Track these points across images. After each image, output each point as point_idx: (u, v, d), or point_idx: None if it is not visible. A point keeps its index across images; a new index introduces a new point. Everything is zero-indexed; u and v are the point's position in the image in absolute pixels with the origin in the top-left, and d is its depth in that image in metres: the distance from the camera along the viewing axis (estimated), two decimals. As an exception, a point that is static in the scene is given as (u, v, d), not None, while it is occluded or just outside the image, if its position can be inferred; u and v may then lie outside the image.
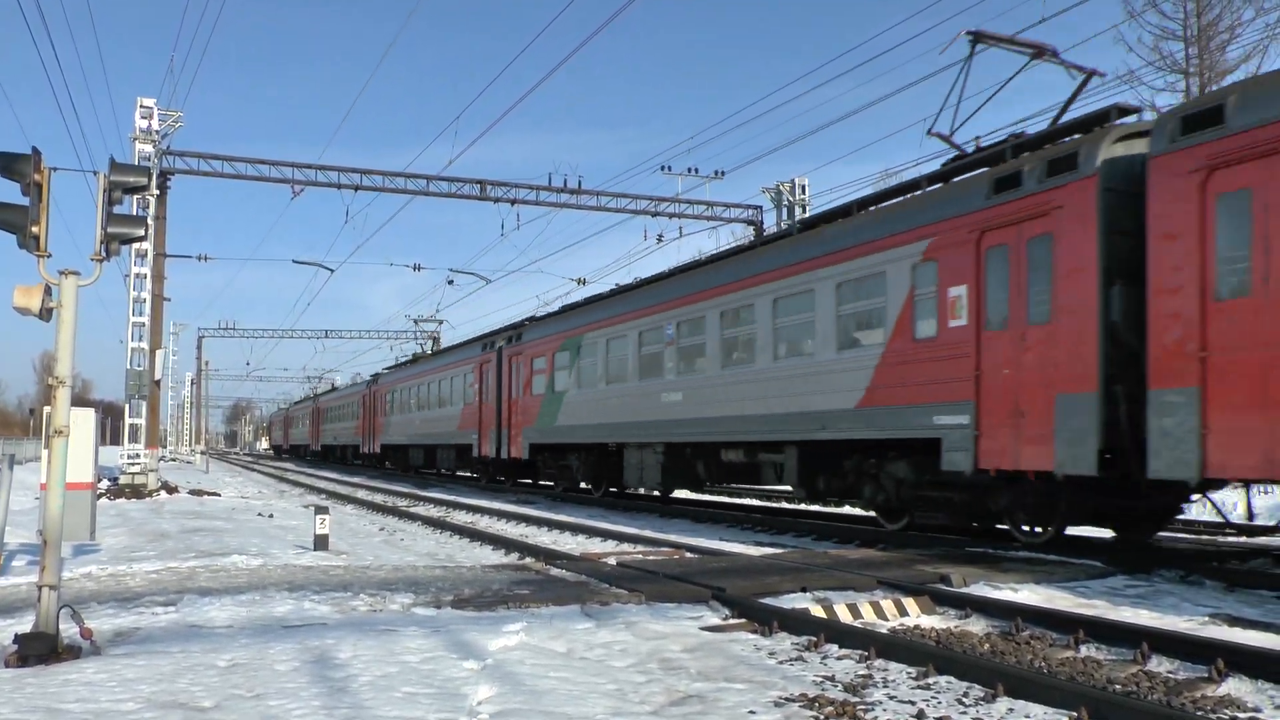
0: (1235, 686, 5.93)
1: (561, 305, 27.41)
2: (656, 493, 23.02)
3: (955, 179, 13.35)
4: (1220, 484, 10.73)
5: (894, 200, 14.48)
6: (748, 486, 24.87)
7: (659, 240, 32.38)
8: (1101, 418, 10.38)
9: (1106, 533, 13.49)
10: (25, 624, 6.91)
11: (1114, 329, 10.44)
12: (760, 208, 32.90)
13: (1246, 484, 11.83)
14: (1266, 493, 21.42)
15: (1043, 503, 11.92)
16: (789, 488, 17.25)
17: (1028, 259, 11.35)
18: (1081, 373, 10.59)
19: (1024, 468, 11.24)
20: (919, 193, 13.81)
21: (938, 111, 13.84)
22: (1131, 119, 11.43)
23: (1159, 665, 6.49)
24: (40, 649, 6.41)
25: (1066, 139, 11.82)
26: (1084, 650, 6.97)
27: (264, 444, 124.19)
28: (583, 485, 24.90)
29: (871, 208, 14.98)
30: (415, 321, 57.16)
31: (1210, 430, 9.21)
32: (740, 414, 16.74)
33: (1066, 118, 12.59)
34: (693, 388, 18.28)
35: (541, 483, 29.56)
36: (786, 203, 31.56)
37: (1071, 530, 11.39)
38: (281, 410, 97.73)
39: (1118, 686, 5.97)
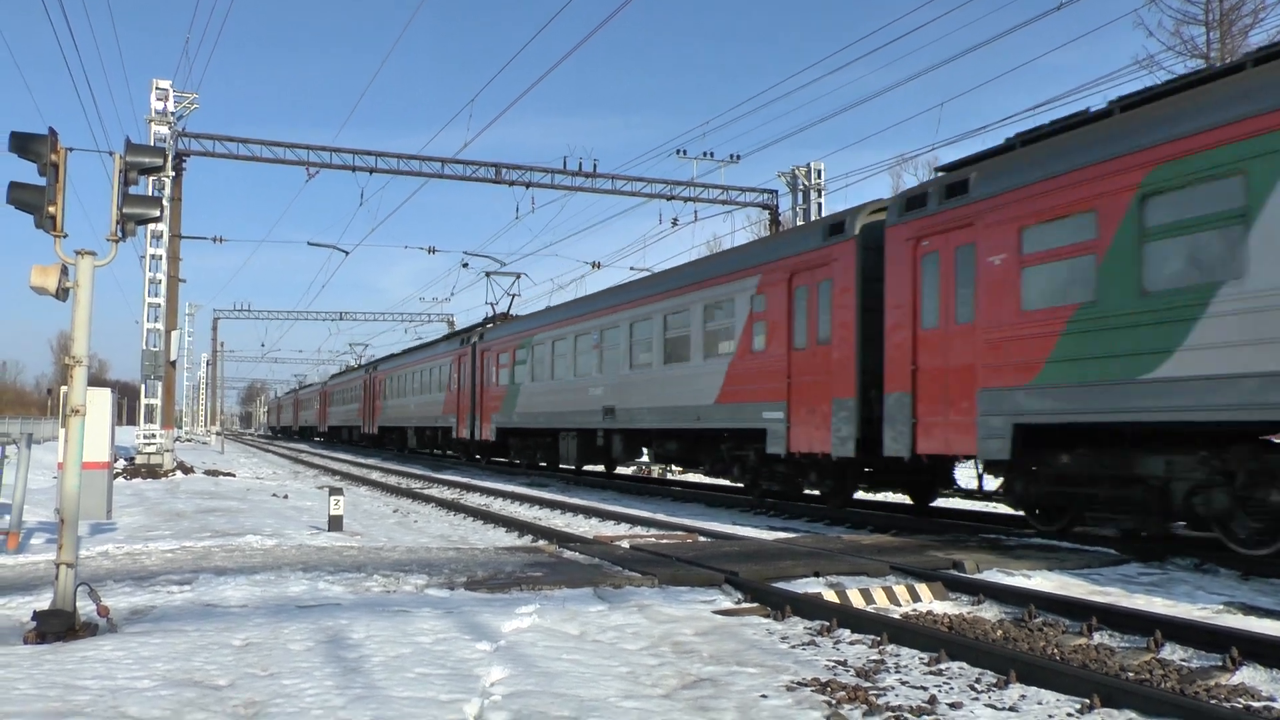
0: (1249, 675, 5.89)
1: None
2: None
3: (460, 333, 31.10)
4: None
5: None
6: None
7: (674, 224, 32.34)
8: None
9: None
10: (43, 601, 6.98)
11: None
12: (775, 192, 32.77)
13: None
14: None
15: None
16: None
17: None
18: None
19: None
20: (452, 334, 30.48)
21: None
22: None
23: (1172, 653, 6.46)
24: (58, 626, 6.47)
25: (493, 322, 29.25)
26: (1097, 637, 6.95)
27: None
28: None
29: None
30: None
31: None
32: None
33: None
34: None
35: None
36: (802, 187, 31.39)
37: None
38: (276, 399, 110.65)
39: (1130, 674, 5.95)
